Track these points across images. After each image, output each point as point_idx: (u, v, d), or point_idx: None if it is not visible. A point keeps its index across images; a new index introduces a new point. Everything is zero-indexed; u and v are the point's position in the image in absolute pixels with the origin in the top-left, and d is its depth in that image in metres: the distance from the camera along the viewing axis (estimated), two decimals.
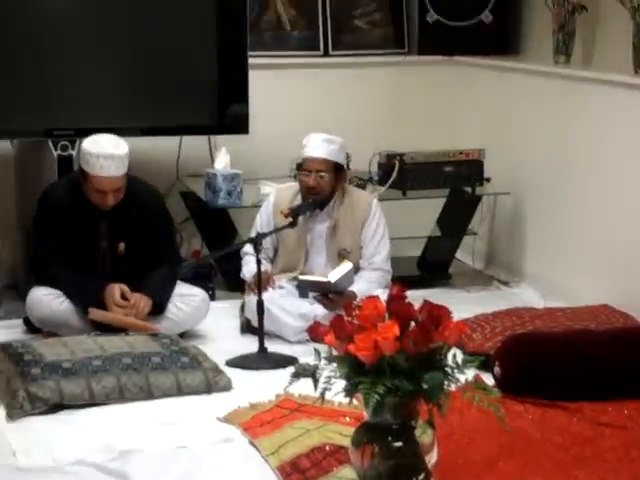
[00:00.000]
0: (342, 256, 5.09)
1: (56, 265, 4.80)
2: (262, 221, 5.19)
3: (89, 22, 5.38)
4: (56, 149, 5.29)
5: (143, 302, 4.73)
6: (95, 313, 4.68)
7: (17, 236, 5.59)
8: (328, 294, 4.94)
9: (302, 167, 5.10)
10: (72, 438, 3.83)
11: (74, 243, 4.81)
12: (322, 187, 5.05)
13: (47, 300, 4.77)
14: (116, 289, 4.72)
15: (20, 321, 5.02)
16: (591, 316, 4.83)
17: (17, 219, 5.59)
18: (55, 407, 4.07)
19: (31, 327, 4.92)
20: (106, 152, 4.68)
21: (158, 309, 4.82)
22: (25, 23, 5.27)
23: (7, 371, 4.21)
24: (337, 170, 5.08)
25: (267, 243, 5.06)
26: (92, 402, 4.11)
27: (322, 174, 5.03)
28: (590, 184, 5.41)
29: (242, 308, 5.08)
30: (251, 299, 4.89)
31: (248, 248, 5.09)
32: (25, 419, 4.00)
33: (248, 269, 5.09)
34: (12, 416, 4.01)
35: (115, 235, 4.85)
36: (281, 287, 5.02)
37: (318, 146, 5.05)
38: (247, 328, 5.00)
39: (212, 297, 5.28)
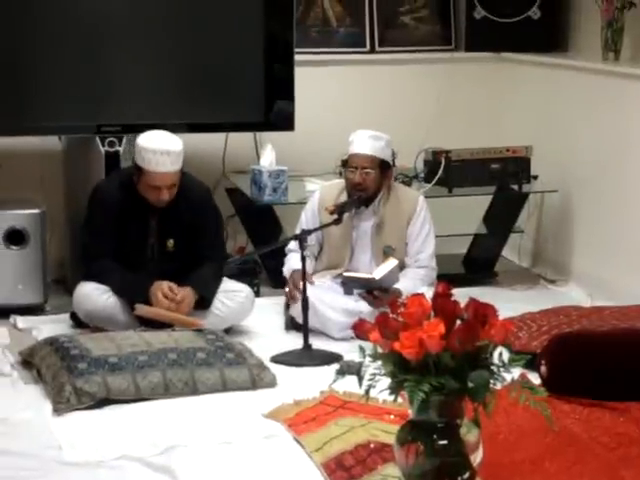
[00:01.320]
0: (387, 253, 5.07)
1: (105, 260, 4.83)
2: (307, 218, 5.19)
3: (137, 19, 5.41)
4: (103, 145, 5.32)
5: (189, 297, 4.75)
6: (141, 309, 4.71)
7: (65, 231, 5.64)
8: (373, 291, 4.93)
9: (348, 163, 5.09)
10: (117, 433, 3.85)
11: (123, 239, 4.84)
12: (368, 184, 5.04)
13: (94, 295, 4.81)
14: (164, 285, 4.74)
15: (67, 316, 5.05)
16: (639, 315, 4.78)
17: (65, 215, 5.63)
18: (101, 402, 4.09)
19: (78, 322, 4.95)
20: (162, 148, 4.70)
21: (204, 304, 4.84)
22: (73, 21, 5.31)
23: (54, 366, 4.24)
24: (383, 167, 5.07)
25: (312, 240, 5.06)
26: (138, 397, 4.13)
27: (368, 171, 5.02)
28: (639, 182, 5.35)
29: (287, 305, 5.08)
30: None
31: (293, 245, 5.09)
32: (71, 414, 4.03)
33: (289, 266, 5.08)
34: (58, 410, 4.04)
35: (164, 232, 4.87)
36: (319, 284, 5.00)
37: (364, 143, 5.04)
38: (292, 325, 5.01)
39: (257, 293, 5.29)
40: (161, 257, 4.89)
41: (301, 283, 4.76)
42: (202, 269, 4.86)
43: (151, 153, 4.70)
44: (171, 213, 4.84)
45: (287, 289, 5.01)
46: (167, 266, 4.85)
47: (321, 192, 5.24)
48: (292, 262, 5.06)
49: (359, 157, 5.04)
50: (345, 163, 5.16)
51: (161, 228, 4.87)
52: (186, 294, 4.76)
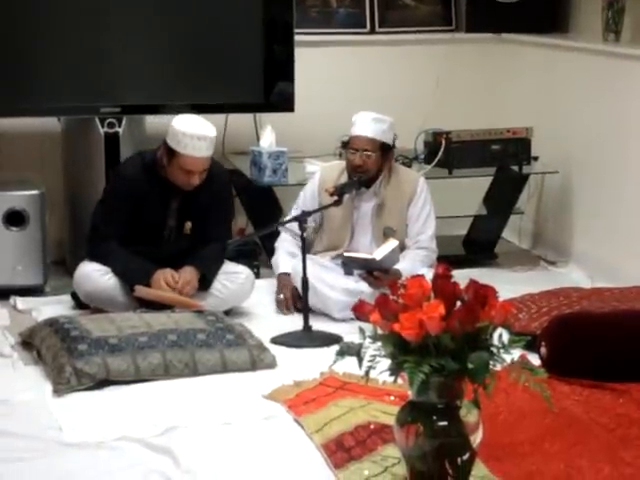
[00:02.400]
0: (387, 235, 5.07)
1: (112, 243, 4.83)
2: (305, 198, 5.18)
3: (136, 0, 5.39)
4: (103, 126, 5.32)
5: (191, 282, 4.76)
6: (141, 290, 4.71)
7: (65, 212, 5.64)
8: (373, 272, 4.93)
9: (349, 145, 5.09)
10: (117, 414, 3.86)
11: (142, 220, 4.83)
12: (368, 166, 5.03)
13: (94, 276, 4.81)
14: (167, 273, 4.75)
15: (67, 297, 5.06)
16: (639, 296, 4.78)
17: (65, 196, 5.63)
18: (101, 383, 4.10)
19: (78, 303, 4.96)
20: (200, 133, 4.71)
21: (205, 284, 4.84)
22: (73, 2, 5.29)
23: (54, 347, 4.25)
24: (384, 149, 5.06)
25: (310, 220, 5.06)
26: (138, 378, 4.14)
27: (369, 153, 5.01)
28: (639, 163, 5.35)
29: (279, 302, 5.09)
30: (295, 275, 4.90)
31: (282, 237, 5.10)
32: (71, 395, 4.04)
33: (276, 264, 5.11)
34: (58, 391, 4.05)
35: (184, 214, 4.88)
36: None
37: (366, 125, 5.03)
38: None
39: (257, 275, 5.29)
40: (177, 239, 4.90)
41: (291, 292, 4.90)
42: (206, 249, 4.87)
43: (189, 137, 4.69)
44: (193, 196, 4.84)
45: (281, 296, 5.01)
46: (182, 247, 4.87)
47: (321, 173, 5.24)
48: (280, 260, 5.07)
49: (360, 139, 5.03)
50: (345, 144, 5.15)
51: (181, 211, 4.87)
52: (189, 275, 4.76)
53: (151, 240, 4.85)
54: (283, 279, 5.05)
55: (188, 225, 4.90)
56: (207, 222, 4.90)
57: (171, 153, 4.74)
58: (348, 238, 5.13)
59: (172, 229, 4.90)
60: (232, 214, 5.24)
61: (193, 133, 4.70)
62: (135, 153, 5.07)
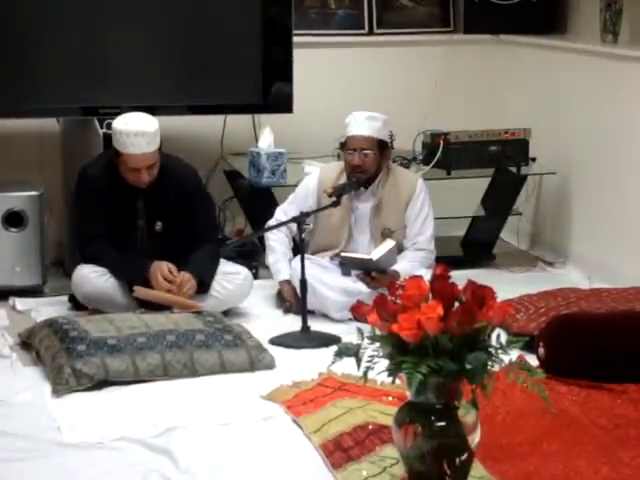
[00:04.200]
0: (385, 235, 5.08)
1: (99, 242, 4.84)
2: (296, 198, 5.15)
3: (135, 1, 5.40)
4: (102, 127, 5.32)
5: (189, 282, 4.75)
6: (140, 291, 4.72)
7: (64, 213, 5.64)
8: (370, 272, 4.93)
9: (346, 146, 5.09)
10: (116, 414, 3.86)
11: (113, 221, 4.84)
12: (367, 165, 5.04)
13: (92, 277, 4.81)
14: (163, 266, 4.75)
15: (66, 298, 5.06)
16: (637, 297, 4.80)
17: (63, 197, 5.64)
18: (100, 384, 4.11)
19: (76, 304, 4.96)
20: (136, 129, 4.70)
21: (203, 287, 4.84)
22: (71, 3, 5.30)
23: (53, 347, 4.25)
24: (381, 147, 5.07)
25: (294, 211, 5.04)
26: (137, 379, 4.15)
27: (367, 152, 5.02)
28: (637, 164, 5.36)
29: (279, 292, 5.11)
30: (294, 275, 4.91)
31: (273, 239, 5.11)
32: (70, 395, 4.05)
33: (276, 270, 5.10)
34: (57, 392, 4.05)
35: (152, 213, 4.87)
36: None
37: (361, 124, 5.03)
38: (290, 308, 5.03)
39: (255, 275, 5.30)
40: (151, 239, 4.89)
41: (296, 300, 4.89)
42: (198, 253, 4.86)
43: (125, 135, 4.69)
44: (157, 194, 4.83)
45: (287, 304, 5.03)
46: (158, 248, 4.85)
47: (320, 174, 5.23)
48: (281, 267, 5.06)
49: (357, 139, 5.03)
50: (343, 145, 5.15)
51: (148, 210, 4.87)
52: (187, 278, 4.76)
53: (126, 240, 4.84)
54: (286, 287, 5.05)
55: (158, 224, 4.88)
56: (186, 223, 4.87)
57: (116, 153, 4.75)
58: (345, 238, 5.14)
59: (143, 229, 4.88)
60: (214, 213, 5.22)
61: (129, 130, 4.69)
62: (99, 154, 5.08)
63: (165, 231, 4.88)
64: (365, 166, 5.03)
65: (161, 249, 4.84)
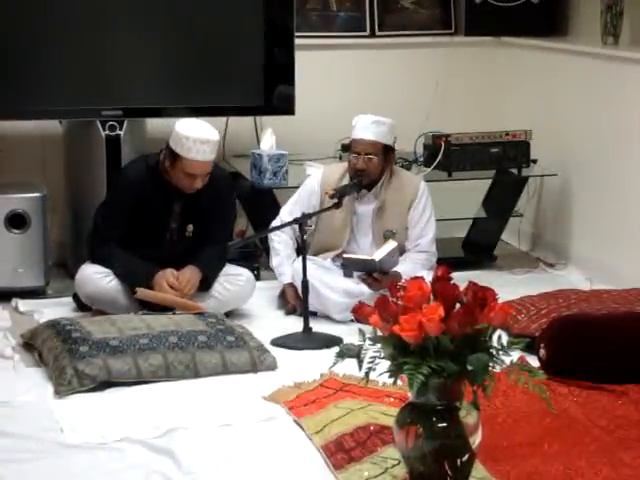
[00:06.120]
0: (388, 238, 5.09)
1: (113, 244, 4.85)
2: (301, 198, 5.16)
3: (137, 3, 5.41)
4: (104, 129, 5.33)
5: (194, 278, 4.78)
6: (142, 292, 4.73)
7: (66, 215, 5.65)
8: (372, 273, 4.94)
9: (351, 149, 5.09)
10: (119, 415, 3.88)
11: (144, 223, 4.84)
12: (371, 169, 5.04)
13: (96, 278, 4.83)
14: (168, 274, 4.77)
15: (68, 299, 5.08)
16: (637, 298, 4.80)
17: (66, 198, 5.64)
18: (102, 385, 4.12)
19: (80, 305, 4.98)
20: (203, 137, 4.73)
21: (206, 284, 4.86)
22: (74, 5, 5.31)
23: (55, 349, 4.26)
24: (386, 152, 5.07)
25: (298, 211, 5.05)
26: (139, 380, 4.16)
27: (371, 157, 5.02)
28: (638, 166, 5.36)
29: (282, 294, 5.12)
30: (296, 276, 4.92)
31: (276, 242, 5.12)
32: (73, 396, 4.06)
33: (279, 272, 5.11)
34: (60, 393, 4.07)
35: (186, 217, 4.90)
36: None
37: (367, 128, 5.03)
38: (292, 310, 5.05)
39: (257, 277, 5.31)
40: (179, 241, 4.92)
41: (297, 299, 4.90)
42: (207, 250, 4.89)
43: (192, 141, 4.71)
44: (195, 199, 4.86)
45: (289, 306, 5.05)
46: (183, 250, 4.89)
47: (323, 174, 5.23)
48: (285, 270, 5.07)
49: (362, 143, 5.03)
50: (345, 147, 5.16)
51: (184, 213, 4.89)
52: (191, 274, 4.78)
53: (153, 242, 4.87)
54: (289, 290, 5.06)
55: (190, 228, 4.92)
56: (209, 224, 4.92)
57: (174, 157, 4.76)
58: (346, 239, 5.14)
59: (174, 232, 4.92)
60: (234, 217, 5.27)
61: (197, 137, 4.72)
62: (139, 156, 5.09)
63: (194, 234, 4.91)
64: (369, 170, 5.04)
65: (185, 252, 4.87)
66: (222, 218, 4.99)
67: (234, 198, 5.16)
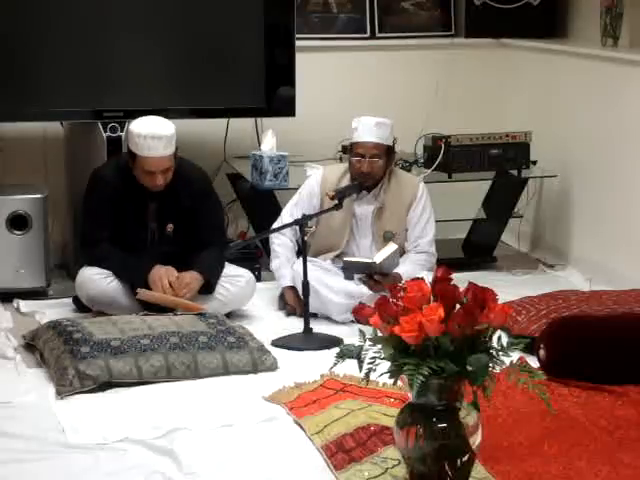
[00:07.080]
0: (387, 238, 5.09)
1: (103, 245, 4.86)
2: (302, 199, 5.16)
3: (138, 4, 5.42)
4: (105, 130, 5.34)
5: (194, 282, 4.79)
6: (144, 293, 4.74)
7: (67, 216, 5.66)
8: (373, 275, 4.95)
9: (353, 151, 5.08)
10: (120, 416, 3.88)
11: (123, 224, 4.86)
12: (375, 172, 5.05)
13: (96, 279, 4.84)
14: (162, 270, 4.77)
15: (70, 300, 5.08)
16: (637, 299, 4.80)
17: (67, 200, 5.65)
18: (104, 385, 4.13)
19: (80, 306, 4.98)
20: (154, 132, 4.73)
21: (208, 288, 4.87)
22: (74, 6, 5.32)
23: (57, 349, 4.27)
24: (388, 153, 5.07)
25: (299, 212, 5.06)
26: (140, 380, 4.17)
27: (376, 159, 5.02)
28: (638, 167, 5.37)
29: (282, 296, 5.12)
30: (296, 277, 4.93)
31: (277, 244, 5.13)
32: (74, 397, 4.06)
33: (279, 275, 5.11)
34: (61, 393, 4.07)
35: (164, 216, 4.90)
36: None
37: (370, 130, 5.03)
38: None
39: (258, 278, 5.32)
40: (161, 241, 4.92)
41: (297, 301, 4.91)
42: (205, 254, 4.89)
43: (142, 138, 4.73)
44: (170, 197, 4.87)
45: (289, 308, 5.05)
46: (167, 250, 4.89)
47: (323, 175, 5.23)
48: (285, 272, 5.07)
49: (366, 146, 5.02)
50: (346, 149, 5.16)
51: (160, 212, 4.90)
52: (192, 278, 4.79)
53: (135, 242, 4.87)
54: (289, 293, 5.07)
55: (170, 227, 4.91)
56: (195, 225, 4.91)
57: (132, 156, 4.78)
58: (345, 240, 5.15)
59: (154, 231, 4.91)
60: (222, 216, 5.25)
61: (147, 133, 4.72)
62: (110, 158, 5.10)
63: (175, 234, 4.92)
64: (374, 173, 5.04)
65: (170, 252, 4.87)
66: (209, 217, 4.97)
67: (216, 195, 5.12)
